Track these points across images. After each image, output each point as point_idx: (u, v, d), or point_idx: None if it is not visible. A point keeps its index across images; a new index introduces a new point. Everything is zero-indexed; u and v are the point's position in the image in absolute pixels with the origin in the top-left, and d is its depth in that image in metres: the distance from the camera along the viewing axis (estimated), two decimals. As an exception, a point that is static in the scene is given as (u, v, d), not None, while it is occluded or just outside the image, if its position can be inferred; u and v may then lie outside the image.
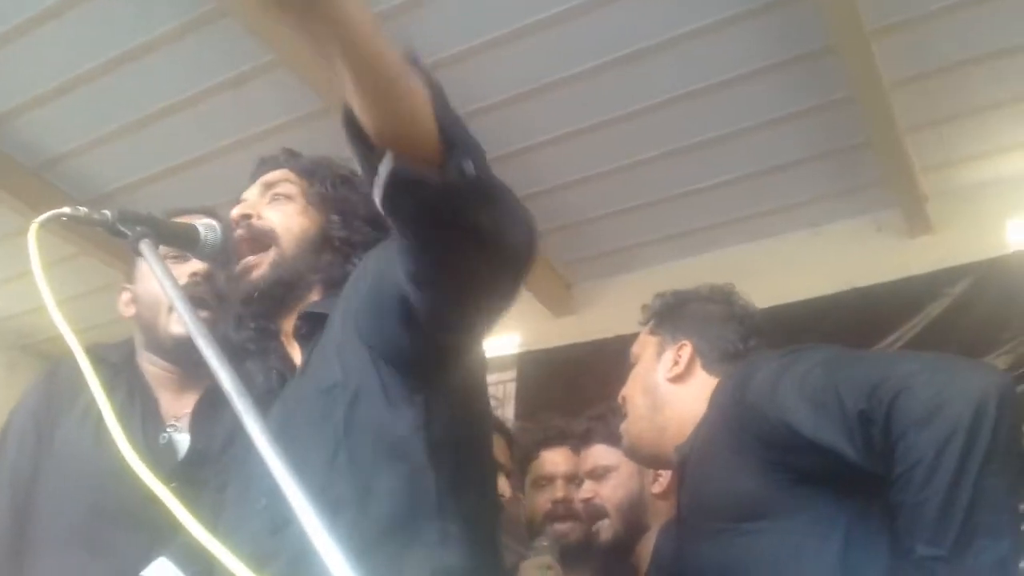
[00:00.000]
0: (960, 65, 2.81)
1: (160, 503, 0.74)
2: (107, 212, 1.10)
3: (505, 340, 3.93)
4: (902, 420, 1.18)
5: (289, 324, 1.33)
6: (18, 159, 3.39)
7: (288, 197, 1.37)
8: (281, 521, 1.00)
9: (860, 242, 3.42)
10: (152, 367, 1.69)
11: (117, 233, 1.10)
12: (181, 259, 1.60)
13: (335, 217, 1.35)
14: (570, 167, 3.34)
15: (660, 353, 1.68)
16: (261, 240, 1.33)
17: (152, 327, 1.65)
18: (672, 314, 1.72)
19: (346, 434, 1.12)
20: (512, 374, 3.91)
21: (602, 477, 1.95)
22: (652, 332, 1.73)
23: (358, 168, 1.24)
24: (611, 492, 1.93)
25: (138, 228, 1.09)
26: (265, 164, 1.45)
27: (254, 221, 1.33)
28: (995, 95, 2.93)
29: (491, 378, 3.97)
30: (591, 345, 3.68)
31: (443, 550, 1.08)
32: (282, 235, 1.33)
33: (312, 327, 1.28)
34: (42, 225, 1.02)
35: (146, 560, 1.40)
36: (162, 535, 1.37)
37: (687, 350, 1.65)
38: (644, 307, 1.80)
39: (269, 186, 1.39)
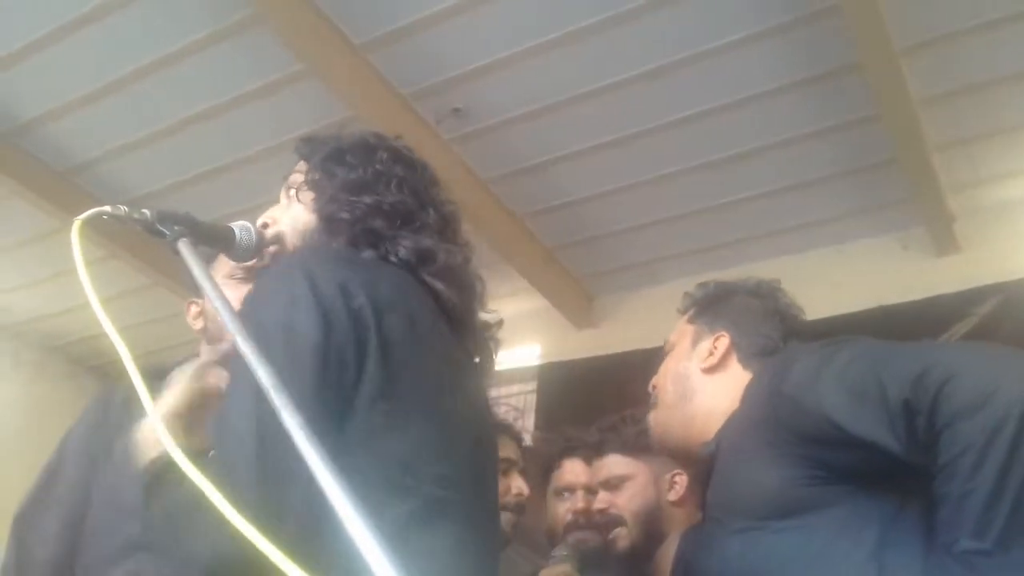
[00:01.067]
0: (989, 84, 2.79)
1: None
2: (146, 211, 1.11)
3: (526, 351, 3.93)
4: (949, 408, 1.12)
5: None
6: (49, 163, 3.44)
7: (298, 191, 1.36)
8: None
9: (886, 260, 3.40)
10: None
11: (156, 232, 1.11)
12: (245, 280, 1.60)
13: (325, 197, 1.32)
14: (594, 180, 3.35)
15: (696, 342, 1.62)
16: (271, 245, 1.34)
17: (218, 342, 1.67)
18: (713, 304, 1.67)
19: None
20: (532, 385, 3.91)
21: (617, 487, 1.93)
22: (690, 321, 1.68)
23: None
24: (627, 501, 1.90)
25: (176, 228, 1.11)
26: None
27: (268, 230, 1.34)
28: (1025, 114, 2.91)
29: (512, 389, 3.98)
30: (612, 358, 3.67)
31: None
32: (288, 234, 1.33)
33: None
34: (85, 222, 1.03)
35: None
36: None
37: (724, 341, 1.59)
38: (686, 295, 1.74)
39: (288, 186, 1.39)
